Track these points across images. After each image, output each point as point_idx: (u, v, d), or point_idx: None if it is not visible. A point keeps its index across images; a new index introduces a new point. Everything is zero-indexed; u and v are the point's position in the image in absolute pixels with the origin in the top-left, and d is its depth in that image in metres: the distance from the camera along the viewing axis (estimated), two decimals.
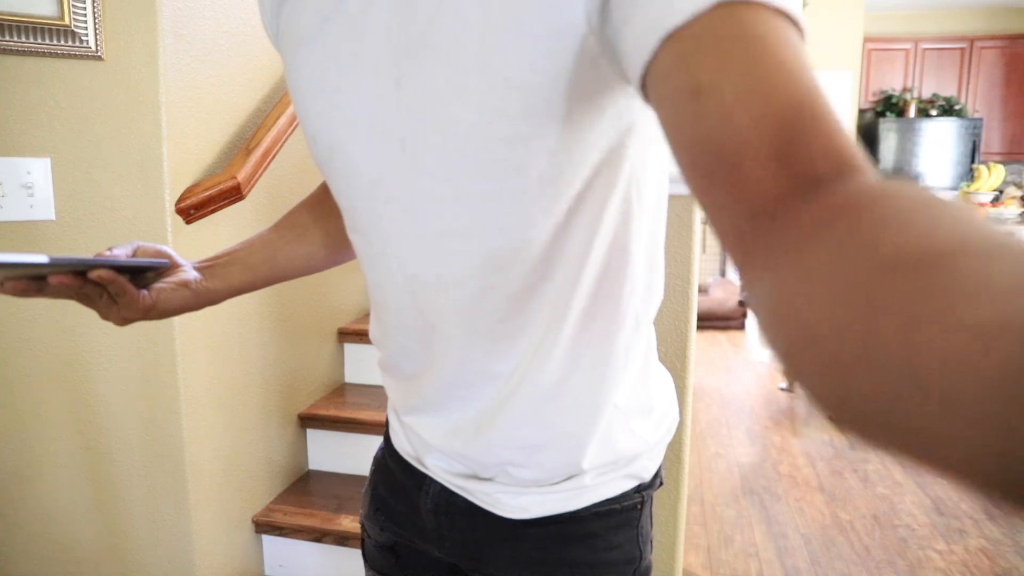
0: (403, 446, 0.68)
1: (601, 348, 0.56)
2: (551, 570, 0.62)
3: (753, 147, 0.29)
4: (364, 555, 0.77)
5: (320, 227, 0.73)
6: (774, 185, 0.28)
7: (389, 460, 0.72)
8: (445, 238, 0.50)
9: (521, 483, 0.60)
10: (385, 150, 0.49)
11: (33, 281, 0.56)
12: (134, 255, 0.63)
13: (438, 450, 0.62)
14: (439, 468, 0.64)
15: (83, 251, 1.33)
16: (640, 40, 0.34)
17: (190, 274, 0.65)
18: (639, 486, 0.63)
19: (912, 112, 5.60)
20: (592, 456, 0.58)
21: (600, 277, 0.53)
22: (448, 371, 0.57)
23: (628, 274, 0.54)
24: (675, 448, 1.40)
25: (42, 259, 0.53)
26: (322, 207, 0.73)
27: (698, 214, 1.36)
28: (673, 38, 0.32)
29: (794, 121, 0.29)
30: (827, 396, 0.22)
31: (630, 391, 0.59)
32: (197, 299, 0.64)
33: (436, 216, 0.50)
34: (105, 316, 0.61)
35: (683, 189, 1.33)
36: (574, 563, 0.62)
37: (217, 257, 0.68)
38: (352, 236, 0.60)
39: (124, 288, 0.58)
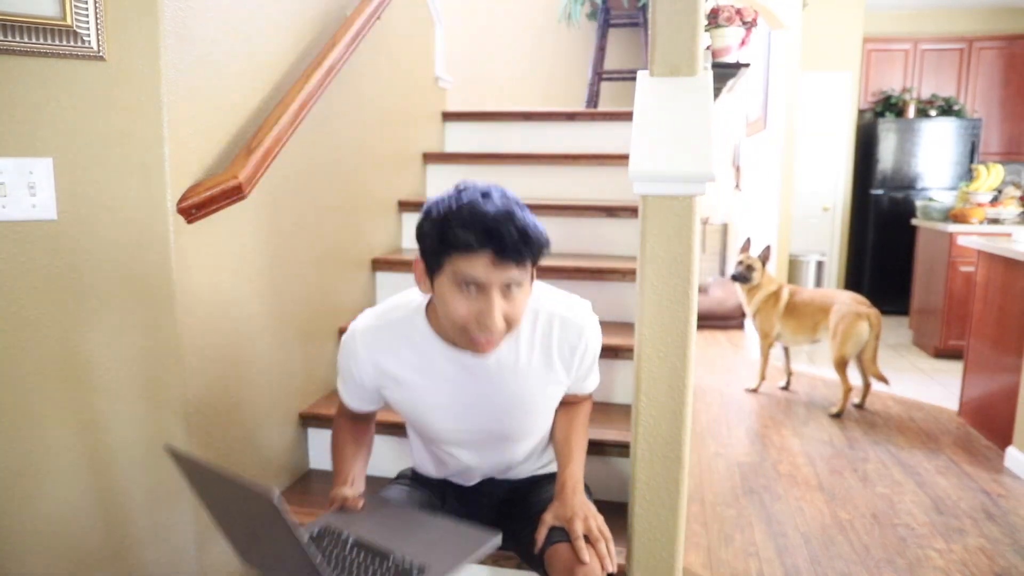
0: (463, 481, 1.38)
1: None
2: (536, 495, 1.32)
3: None
4: (401, 487, 1.35)
5: (365, 446, 1.33)
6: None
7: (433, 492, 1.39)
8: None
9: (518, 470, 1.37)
10: (479, 441, 1.26)
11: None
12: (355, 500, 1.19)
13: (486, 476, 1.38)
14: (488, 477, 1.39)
15: (83, 251, 1.34)
16: (573, 390, 1.28)
17: (358, 500, 1.20)
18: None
19: (911, 112, 5.60)
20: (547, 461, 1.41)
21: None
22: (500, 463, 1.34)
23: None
24: (674, 448, 1.40)
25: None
26: (362, 438, 1.34)
27: (698, 214, 1.36)
28: (574, 400, 1.33)
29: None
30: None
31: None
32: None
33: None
34: None
35: (683, 189, 1.33)
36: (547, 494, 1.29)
37: (347, 479, 1.23)
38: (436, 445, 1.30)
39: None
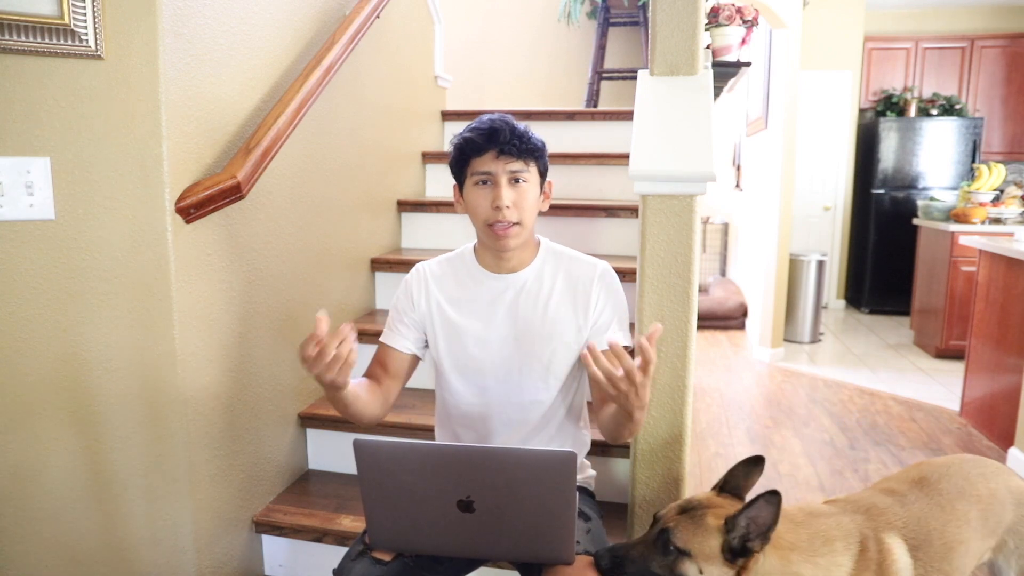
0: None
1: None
2: None
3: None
4: None
5: (366, 387, 1.31)
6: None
7: None
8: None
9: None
10: (506, 373, 1.32)
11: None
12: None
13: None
14: None
15: (81, 251, 1.33)
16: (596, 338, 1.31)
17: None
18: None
19: (913, 111, 5.59)
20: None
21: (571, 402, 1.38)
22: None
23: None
24: (675, 448, 1.40)
25: None
26: (371, 386, 1.32)
27: (698, 214, 1.36)
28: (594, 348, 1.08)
29: None
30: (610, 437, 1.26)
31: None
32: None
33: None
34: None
35: (684, 188, 1.33)
36: None
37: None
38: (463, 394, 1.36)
39: None
